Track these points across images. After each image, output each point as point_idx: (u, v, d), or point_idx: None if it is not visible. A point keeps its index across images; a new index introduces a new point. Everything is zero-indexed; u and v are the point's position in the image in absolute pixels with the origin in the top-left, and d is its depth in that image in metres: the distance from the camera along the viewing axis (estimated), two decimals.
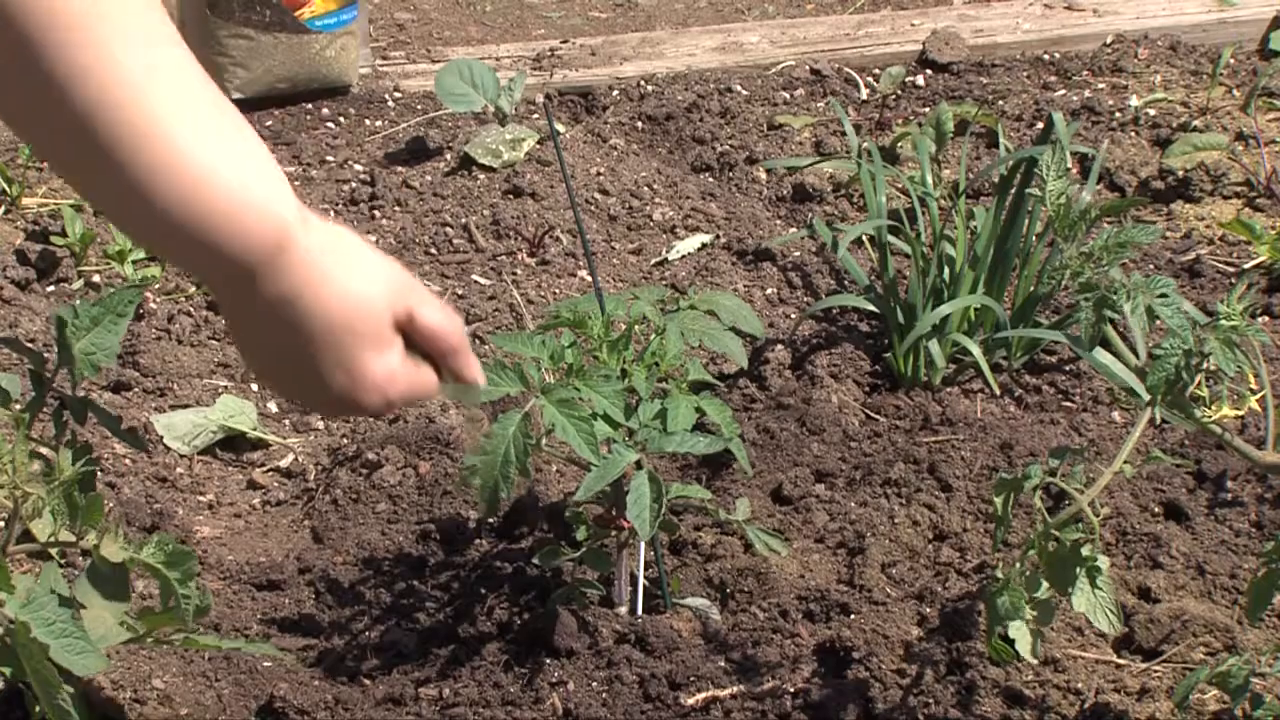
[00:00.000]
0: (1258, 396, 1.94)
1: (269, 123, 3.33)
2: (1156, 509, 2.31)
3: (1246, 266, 2.85)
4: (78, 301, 1.81)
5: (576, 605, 2.06)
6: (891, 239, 2.65)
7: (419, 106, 3.40)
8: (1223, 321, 1.69)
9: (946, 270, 2.63)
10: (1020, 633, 1.83)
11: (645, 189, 3.09)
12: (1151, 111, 3.30)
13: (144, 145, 1.39)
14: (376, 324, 1.55)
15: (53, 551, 1.84)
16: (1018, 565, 1.80)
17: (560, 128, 3.28)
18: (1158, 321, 1.71)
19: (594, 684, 1.98)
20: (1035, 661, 1.91)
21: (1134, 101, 3.35)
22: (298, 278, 1.51)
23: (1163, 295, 1.68)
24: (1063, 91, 3.43)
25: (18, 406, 1.78)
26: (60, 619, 1.62)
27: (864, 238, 2.81)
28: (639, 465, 1.90)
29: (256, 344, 1.54)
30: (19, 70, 1.35)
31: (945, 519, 2.27)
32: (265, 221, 1.48)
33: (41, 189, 3.07)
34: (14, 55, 1.34)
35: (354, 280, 1.54)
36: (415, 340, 1.58)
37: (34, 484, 1.64)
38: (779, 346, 2.66)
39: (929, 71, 3.53)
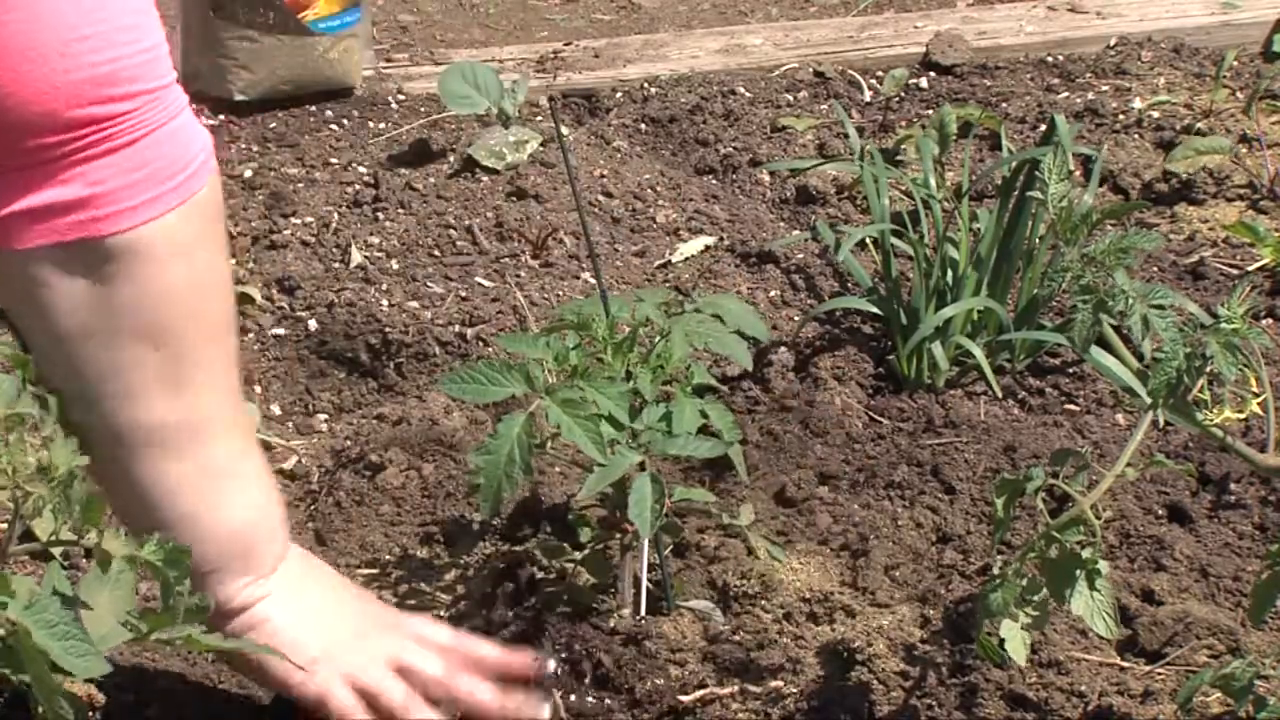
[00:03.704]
0: (1259, 400, 1.95)
1: (273, 125, 3.34)
2: (1160, 511, 2.31)
3: (1250, 269, 2.85)
4: None
5: (580, 607, 2.06)
6: (895, 241, 2.65)
7: (422, 109, 3.41)
8: (1223, 325, 1.69)
9: (949, 272, 2.63)
10: (1012, 633, 1.83)
11: (649, 191, 3.10)
12: (1155, 114, 3.30)
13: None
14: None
15: (55, 551, 1.84)
16: (1016, 565, 1.80)
17: (564, 130, 3.29)
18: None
19: (596, 685, 1.98)
20: (1024, 664, 1.91)
21: (1137, 104, 3.35)
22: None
23: (1159, 306, 1.68)
24: (1066, 94, 3.43)
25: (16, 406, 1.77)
26: (63, 621, 1.62)
27: (867, 240, 2.81)
28: (642, 467, 1.90)
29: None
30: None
31: (949, 521, 2.27)
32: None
33: None
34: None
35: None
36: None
37: (34, 483, 1.63)
38: (782, 349, 2.66)
39: (932, 74, 3.53)
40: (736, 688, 1.98)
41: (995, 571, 1.83)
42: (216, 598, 1.80)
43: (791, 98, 3.45)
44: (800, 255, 2.92)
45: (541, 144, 3.17)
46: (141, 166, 1.59)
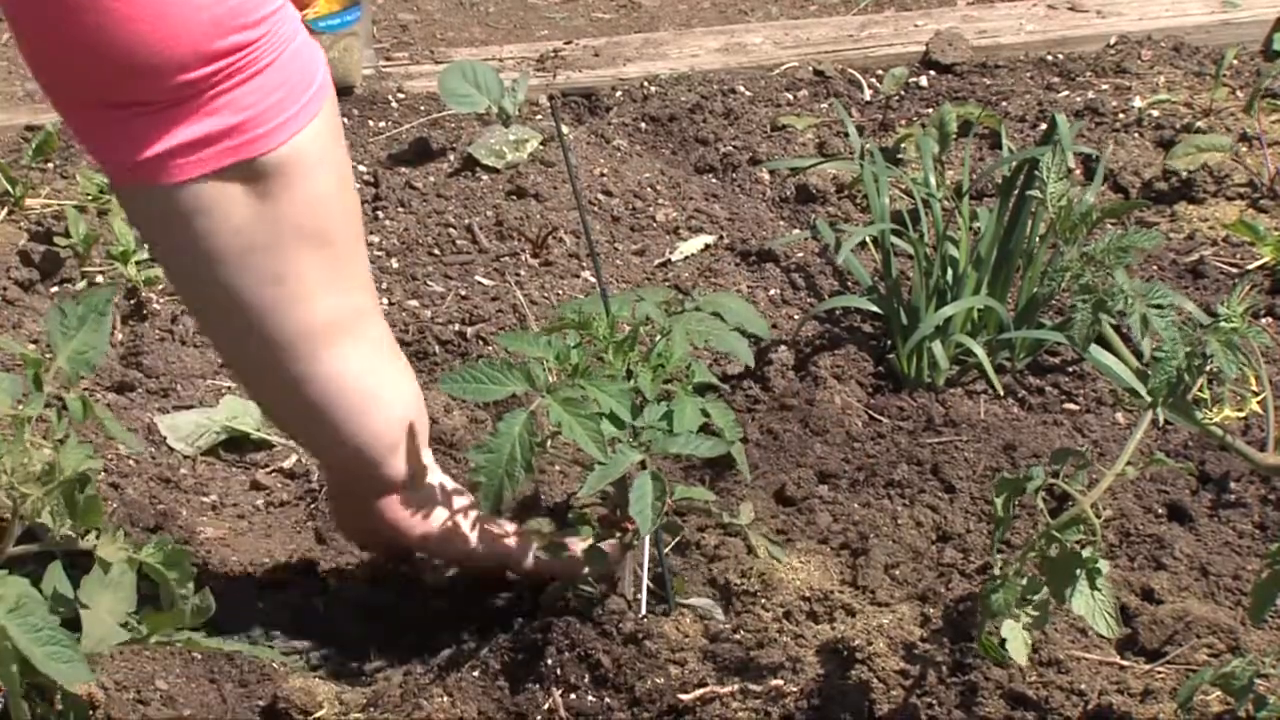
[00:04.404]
0: (1259, 398, 1.94)
1: None
2: (1160, 510, 2.31)
3: (1250, 267, 2.84)
4: (64, 301, 1.82)
5: (579, 605, 2.06)
6: (895, 240, 2.65)
7: (422, 107, 3.41)
8: (1223, 323, 1.69)
9: (950, 271, 2.63)
10: (1013, 633, 1.83)
11: (648, 190, 3.10)
12: (1155, 112, 3.30)
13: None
14: None
15: (57, 552, 1.84)
16: (1016, 565, 1.80)
17: (564, 129, 3.29)
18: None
19: (596, 684, 1.98)
20: (1025, 664, 1.91)
21: (1137, 102, 3.35)
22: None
23: (1158, 305, 1.68)
24: (1066, 92, 3.43)
25: (21, 407, 1.78)
26: (48, 626, 1.61)
27: (867, 238, 2.81)
28: (642, 465, 1.90)
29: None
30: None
31: (948, 520, 2.27)
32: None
33: (45, 190, 3.07)
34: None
35: None
36: None
37: (31, 484, 1.64)
38: (782, 347, 2.66)
39: (932, 72, 3.53)
40: (737, 686, 1.98)
41: (996, 571, 1.83)
42: (410, 468, 1.99)
43: (791, 96, 3.45)
44: (800, 254, 2.92)
45: (541, 143, 3.17)
46: (282, 85, 1.68)
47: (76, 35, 1.58)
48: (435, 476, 2.06)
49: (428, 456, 2.03)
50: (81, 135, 1.74)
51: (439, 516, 2.04)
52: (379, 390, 1.92)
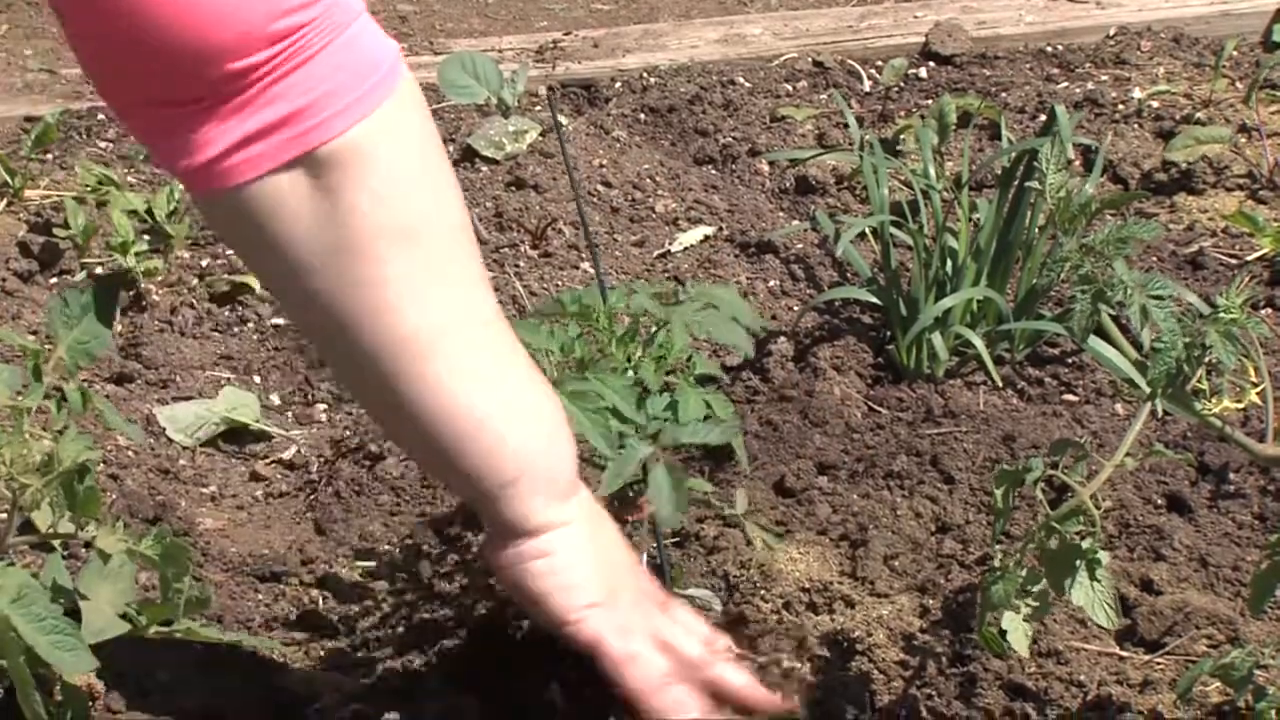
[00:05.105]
0: (1258, 389, 1.94)
1: None
2: (1159, 501, 2.31)
3: (1249, 258, 2.85)
4: (67, 291, 1.82)
5: None
6: (894, 231, 2.65)
7: None
8: (1222, 314, 1.69)
9: (949, 263, 2.63)
10: (1013, 624, 1.83)
11: (648, 181, 3.09)
12: (1154, 104, 3.30)
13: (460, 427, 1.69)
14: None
15: (56, 543, 1.84)
16: (1016, 556, 1.80)
17: (563, 120, 3.28)
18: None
19: (595, 676, 1.98)
20: (1026, 655, 1.91)
21: (1137, 93, 3.35)
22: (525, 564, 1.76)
23: (1157, 296, 1.68)
24: (1065, 84, 3.43)
25: (20, 397, 1.78)
26: (51, 615, 1.61)
27: (866, 230, 2.81)
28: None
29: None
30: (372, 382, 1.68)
31: (948, 511, 2.27)
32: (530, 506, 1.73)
33: (44, 181, 3.07)
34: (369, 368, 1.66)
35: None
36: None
37: (31, 475, 1.64)
38: (782, 339, 2.66)
39: (932, 64, 3.53)
40: None
41: (996, 563, 1.83)
42: (511, 515, 1.72)
43: (791, 88, 3.45)
44: (799, 245, 2.92)
45: (541, 134, 3.17)
46: (338, 70, 1.58)
47: (115, 24, 1.53)
48: (569, 534, 1.75)
49: (565, 506, 1.75)
50: (144, 139, 1.64)
51: (555, 580, 1.76)
52: (489, 418, 1.70)
